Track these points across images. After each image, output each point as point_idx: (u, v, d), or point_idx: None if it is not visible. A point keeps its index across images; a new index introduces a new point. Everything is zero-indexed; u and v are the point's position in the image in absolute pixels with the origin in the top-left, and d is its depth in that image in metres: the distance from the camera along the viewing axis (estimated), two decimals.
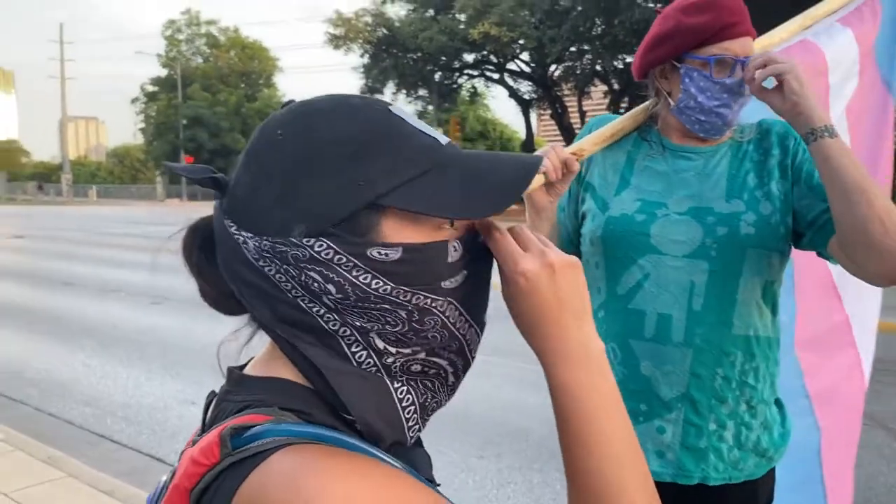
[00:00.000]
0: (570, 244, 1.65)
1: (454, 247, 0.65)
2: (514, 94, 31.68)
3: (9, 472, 3.93)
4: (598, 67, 26.03)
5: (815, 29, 1.88)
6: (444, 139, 0.67)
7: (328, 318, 0.64)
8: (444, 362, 0.69)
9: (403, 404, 0.67)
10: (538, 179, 1.40)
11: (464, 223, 0.68)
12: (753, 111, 1.58)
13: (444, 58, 29.27)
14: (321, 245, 0.61)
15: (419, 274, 0.64)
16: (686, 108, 1.50)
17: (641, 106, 1.62)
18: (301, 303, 0.64)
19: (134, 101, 53.96)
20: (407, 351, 0.66)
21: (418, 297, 0.64)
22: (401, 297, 0.63)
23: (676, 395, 1.48)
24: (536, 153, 1.43)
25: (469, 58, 30.59)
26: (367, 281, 0.62)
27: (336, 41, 29.71)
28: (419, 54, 28.95)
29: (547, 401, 0.72)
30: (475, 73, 32.26)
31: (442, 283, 0.65)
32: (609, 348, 1.54)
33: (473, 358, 0.71)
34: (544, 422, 4.37)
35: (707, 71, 1.45)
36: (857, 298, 1.98)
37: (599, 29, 23.58)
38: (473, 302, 0.69)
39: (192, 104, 47.56)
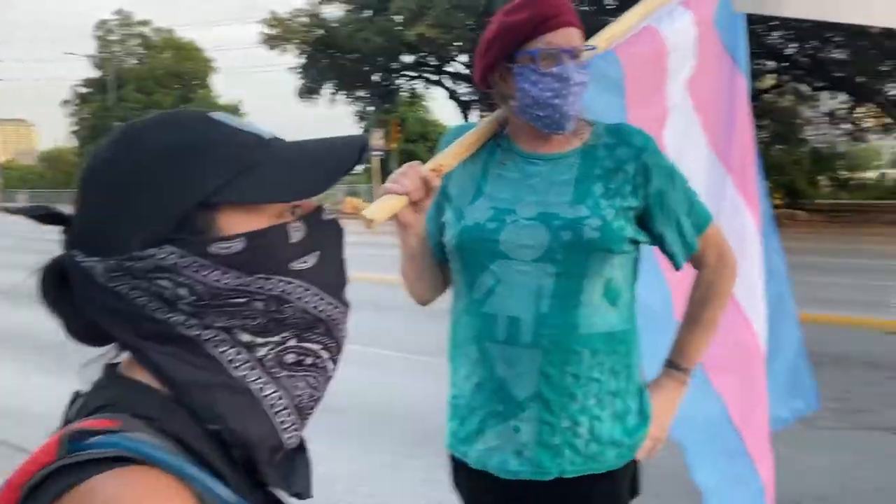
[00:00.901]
0: (439, 253, 1.70)
1: (295, 227, 0.68)
2: (453, 95, 31.79)
3: None
4: None
5: (659, 13, 1.99)
6: (267, 134, 0.71)
7: (189, 324, 0.65)
8: (317, 346, 0.70)
9: (275, 409, 0.68)
10: (401, 201, 1.45)
11: (308, 206, 0.71)
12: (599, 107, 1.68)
13: (381, 59, 29.18)
14: (163, 252, 0.64)
15: (265, 260, 0.66)
16: (525, 105, 1.57)
17: (494, 114, 1.69)
18: (159, 315, 0.65)
19: (65, 103, 52.34)
20: (276, 339, 0.68)
21: (271, 284, 0.66)
22: (253, 287, 0.65)
23: (529, 394, 1.55)
24: (395, 172, 1.50)
25: (407, 59, 30.57)
26: (217, 277, 0.64)
27: (271, 41, 29.38)
28: (357, 55, 28.81)
29: None
30: (414, 74, 32.27)
31: (290, 265, 0.67)
32: (469, 351, 1.62)
33: (343, 337, 0.73)
34: None
35: (534, 65, 1.52)
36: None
37: None
38: (330, 281, 0.70)
39: (126, 106, 46.29)
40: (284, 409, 0.68)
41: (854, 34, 20.08)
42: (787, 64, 22.74)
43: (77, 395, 0.70)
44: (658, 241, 1.64)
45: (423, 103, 38.93)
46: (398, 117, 34.00)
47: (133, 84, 47.85)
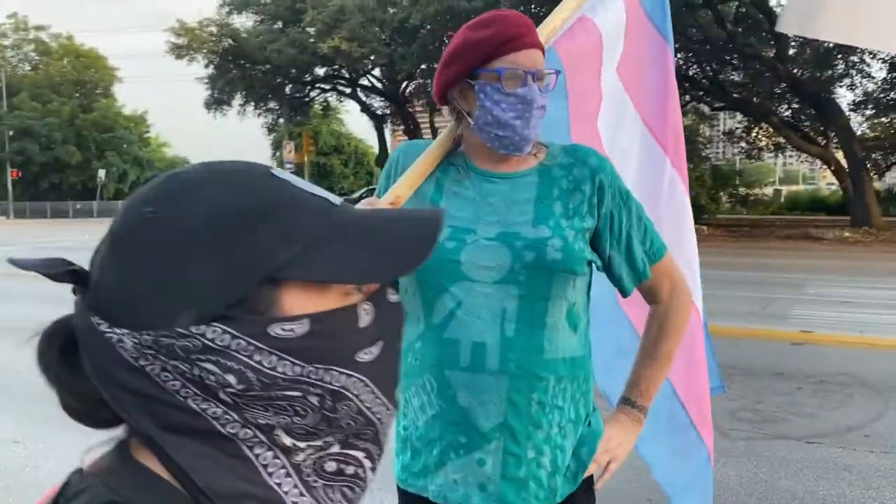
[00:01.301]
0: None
1: (364, 310, 0.59)
2: (366, 109, 31.75)
3: None
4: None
5: (592, 2, 1.97)
6: (335, 199, 0.61)
7: (225, 419, 0.56)
8: (360, 454, 0.62)
9: None
10: None
11: (370, 287, 0.61)
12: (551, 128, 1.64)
13: (294, 70, 28.85)
14: (215, 331, 0.54)
15: (331, 347, 0.57)
16: (485, 124, 1.51)
17: (446, 132, 1.62)
18: (192, 404, 0.55)
19: None
20: (318, 444, 0.59)
21: (332, 376, 0.57)
22: (312, 378, 0.56)
23: (494, 424, 1.47)
24: (358, 206, 1.41)
25: (320, 71, 30.36)
26: (273, 365, 0.55)
27: (178, 51, 28.57)
28: (268, 66, 28.38)
29: None
30: (327, 87, 32.08)
31: (357, 356, 0.58)
32: (425, 380, 1.53)
33: (385, 444, 0.64)
34: None
35: (498, 84, 1.47)
36: (676, 243, 2.03)
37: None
38: (388, 376, 0.62)
39: (18, 114, 43.96)
40: None
41: (749, 57, 21.24)
42: (689, 84, 23.74)
43: (78, 475, 0.60)
44: (606, 264, 1.59)
45: (338, 116, 38.70)
46: (311, 130, 33.63)
47: (27, 91, 45.50)
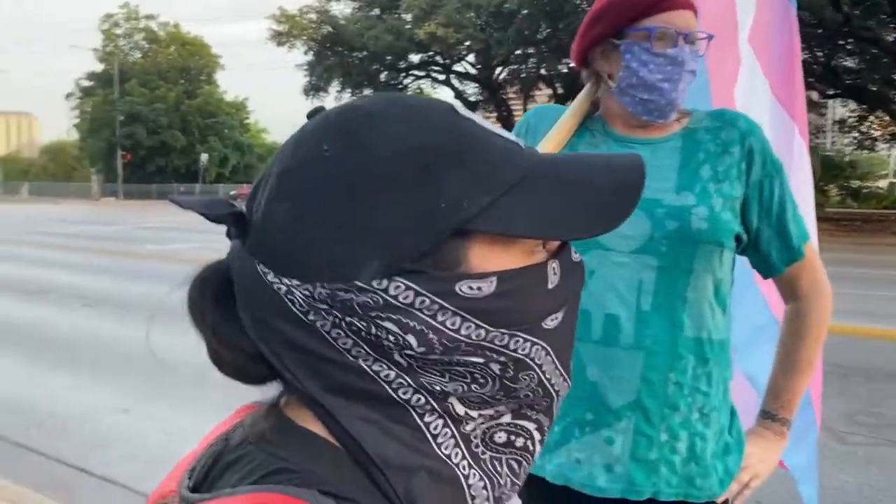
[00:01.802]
0: None
1: (553, 270, 0.53)
2: (459, 95, 31.76)
3: None
4: (542, 71, 26.27)
5: None
6: (521, 142, 0.54)
7: (398, 383, 0.50)
8: (532, 425, 0.56)
9: (474, 497, 0.54)
10: None
11: (553, 245, 0.55)
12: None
13: (389, 57, 29.16)
14: (398, 287, 0.48)
15: (519, 309, 0.51)
16: (628, 86, 1.43)
17: (582, 96, 1.54)
18: (364, 365, 0.50)
19: (68, 96, 52.32)
20: (490, 412, 0.54)
21: (517, 342, 0.51)
22: (496, 344, 0.50)
23: (626, 402, 1.39)
24: None
25: (415, 58, 30.56)
26: (457, 326, 0.49)
27: (279, 38, 29.31)
28: (365, 53, 28.78)
29: None
30: (421, 73, 32.25)
31: (544, 322, 0.52)
32: None
33: (556, 414, 0.59)
34: None
35: (648, 43, 1.40)
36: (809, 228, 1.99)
37: (544, 33, 23.78)
38: (567, 345, 0.56)
39: (129, 100, 46.26)
40: (487, 499, 0.54)
41: (866, 41, 20.02)
42: None
43: (227, 438, 0.55)
44: (753, 240, 1.47)
45: None
46: None
47: (137, 78, 47.77)
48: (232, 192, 40.64)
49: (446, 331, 0.49)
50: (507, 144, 0.53)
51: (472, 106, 31.96)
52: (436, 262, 0.49)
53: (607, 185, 0.53)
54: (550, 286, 0.52)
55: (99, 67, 50.83)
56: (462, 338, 0.49)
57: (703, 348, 1.40)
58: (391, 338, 0.49)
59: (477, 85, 31.42)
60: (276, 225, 0.50)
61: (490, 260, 0.50)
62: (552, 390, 0.55)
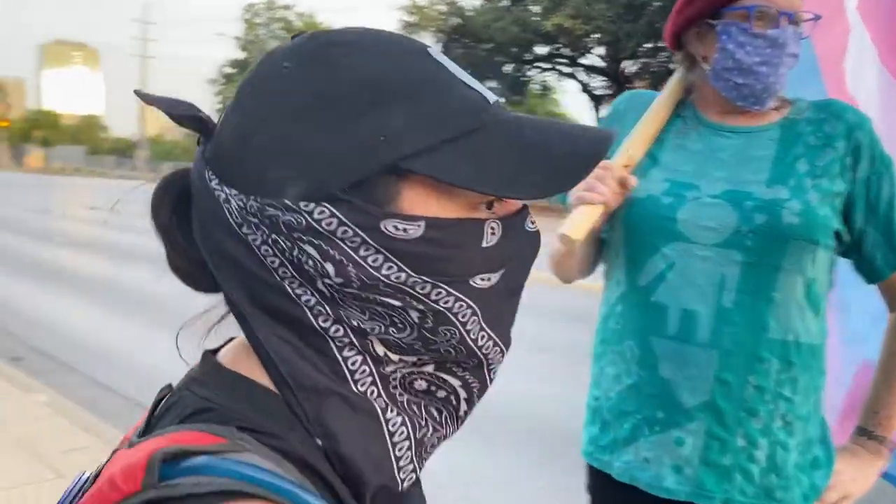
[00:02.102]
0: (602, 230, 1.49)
1: (492, 229, 0.52)
2: (585, 89, 31.17)
3: (48, 436, 3.95)
4: (672, 66, 25.36)
5: None
6: (492, 97, 0.53)
7: (319, 310, 0.51)
8: (456, 382, 0.55)
9: (395, 439, 0.53)
10: (599, 210, 1.29)
11: (505, 207, 0.54)
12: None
13: (515, 49, 29.02)
14: (323, 212, 0.48)
15: (445, 260, 0.50)
16: (723, 69, 1.34)
17: (674, 81, 1.46)
18: (288, 287, 0.50)
19: (212, 82, 55.27)
20: (411, 359, 0.53)
21: (438, 294, 0.50)
22: (417, 291, 0.50)
23: (699, 402, 1.31)
24: (592, 175, 1.29)
25: (541, 50, 30.26)
26: (378, 264, 0.49)
27: (409, 28, 29.78)
28: (491, 45, 28.77)
29: None
30: (547, 66, 31.88)
31: (472, 280, 0.51)
32: (626, 347, 1.38)
33: (492, 381, 0.57)
34: None
35: (747, 23, 1.30)
36: None
37: None
38: (502, 311, 0.55)
39: None
40: (406, 440, 0.54)
41: None
42: None
43: (168, 389, 0.57)
44: (856, 241, 1.36)
45: (554, 96, 38.52)
46: (526, 110, 33.70)
47: None
48: None
49: (366, 266, 0.49)
50: (474, 96, 0.52)
51: (599, 100, 31.33)
52: (366, 196, 0.49)
53: (562, 153, 0.52)
54: (485, 245, 0.52)
55: (241, 55, 53.44)
56: (382, 277, 0.49)
57: (789, 352, 1.30)
58: (311, 262, 0.49)
59: (604, 78, 30.71)
60: (226, 133, 0.52)
61: (424, 205, 0.50)
62: (478, 352, 0.54)
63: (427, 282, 0.50)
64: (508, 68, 31.56)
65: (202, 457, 0.45)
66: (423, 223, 0.49)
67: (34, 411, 4.33)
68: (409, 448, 0.54)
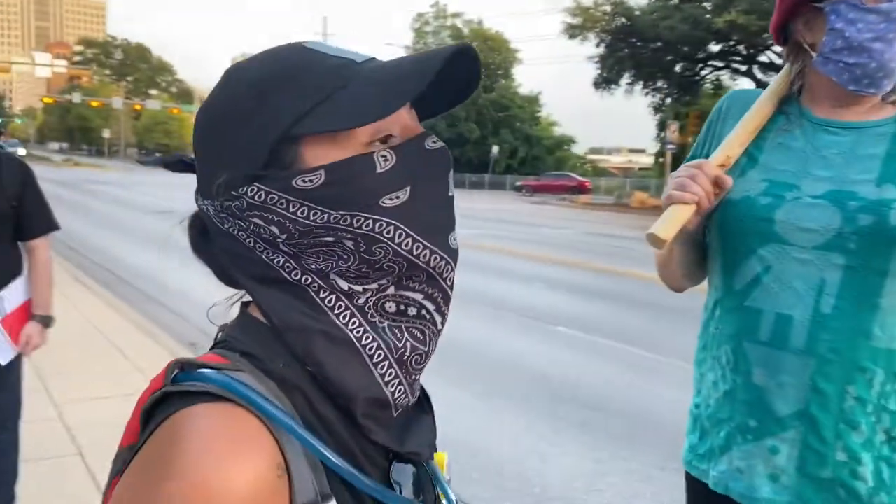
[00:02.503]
0: (702, 234, 1.45)
1: (384, 156, 0.61)
2: (762, 87, 29.45)
3: None
4: None
5: None
6: (361, 57, 0.65)
7: (289, 266, 0.63)
8: (418, 296, 0.65)
9: (375, 360, 0.64)
10: (690, 210, 1.27)
11: (410, 132, 0.64)
12: None
13: (685, 48, 27.94)
14: (252, 189, 0.61)
15: (350, 193, 0.60)
16: (832, 51, 1.26)
17: (778, 78, 1.39)
18: (264, 256, 0.64)
19: None
20: (373, 286, 0.64)
21: (358, 220, 0.61)
22: (341, 223, 0.61)
23: (793, 411, 1.25)
24: (679, 173, 1.29)
25: (714, 48, 28.94)
26: (305, 214, 0.61)
27: (572, 31, 29.52)
28: (658, 44, 27.89)
29: None
30: (720, 64, 30.44)
31: (381, 201, 0.61)
32: (722, 352, 1.34)
33: (451, 288, 0.67)
34: None
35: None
36: None
37: None
38: (428, 220, 0.63)
39: None
40: (384, 360, 0.64)
41: None
42: None
43: (221, 328, 0.71)
44: None
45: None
46: (699, 110, 32.33)
47: None
48: (517, 183, 41.98)
49: (298, 218, 0.61)
50: (340, 62, 0.63)
51: None
52: (277, 165, 0.61)
53: (409, 71, 0.61)
54: (380, 170, 0.61)
55: None
56: (311, 223, 0.61)
57: (894, 362, 1.21)
58: (263, 230, 0.62)
59: None
60: (196, 161, 0.66)
61: (322, 156, 0.61)
62: (418, 262, 0.63)
63: (345, 214, 0.60)
64: (679, 67, 30.47)
65: (207, 370, 0.59)
66: (322, 171, 0.60)
67: None
68: (391, 366, 0.64)
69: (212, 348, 0.66)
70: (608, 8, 28.95)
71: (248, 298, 0.68)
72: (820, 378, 1.23)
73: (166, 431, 0.55)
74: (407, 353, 0.65)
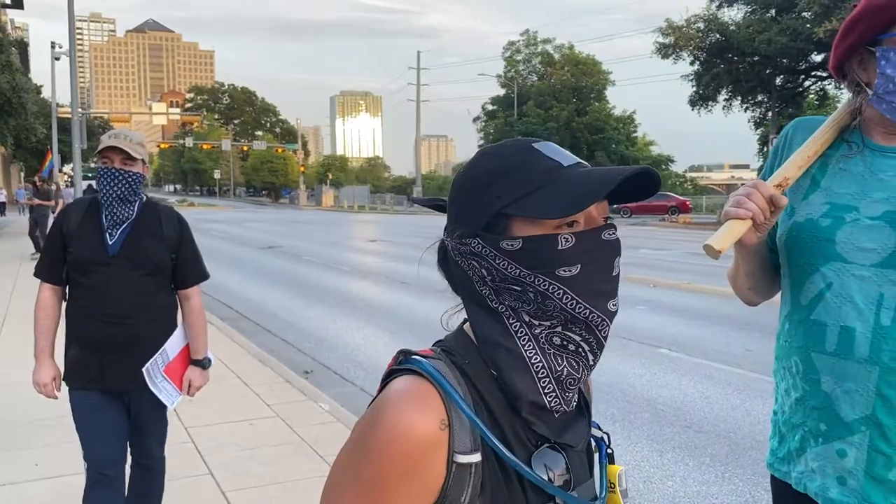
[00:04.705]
0: (772, 252, 1.56)
1: (566, 238, 0.84)
2: None
3: (329, 439, 4.60)
4: None
5: None
6: (569, 161, 0.88)
7: (491, 298, 0.89)
8: (577, 338, 0.87)
9: (539, 374, 0.87)
10: (745, 225, 1.37)
11: (587, 224, 0.87)
12: None
13: (785, 60, 27.07)
14: (475, 242, 0.88)
15: (537, 260, 0.84)
16: (885, 93, 1.36)
17: (841, 107, 1.49)
18: (477, 287, 0.90)
19: (475, 119, 58.31)
20: (547, 323, 0.87)
21: (538, 280, 0.85)
22: (527, 279, 0.85)
23: (860, 416, 1.33)
24: (738, 192, 1.41)
25: (817, 58, 27.90)
26: (505, 266, 0.86)
27: (664, 50, 29.11)
28: (756, 58, 27.13)
29: None
30: (824, 74, 29.28)
31: (556, 271, 0.84)
32: (792, 362, 1.44)
33: (605, 338, 0.88)
34: None
35: None
36: None
37: None
38: (591, 289, 0.85)
39: (525, 121, 49.97)
40: (546, 376, 0.87)
41: None
42: None
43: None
44: None
45: (837, 105, 35.07)
46: None
47: (533, 100, 51.30)
48: (614, 206, 41.20)
49: (499, 268, 0.86)
50: (550, 163, 0.87)
51: None
52: (493, 230, 0.87)
53: (587, 185, 0.83)
54: (560, 248, 0.84)
55: (501, 92, 55.79)
56: (507, 273, 0.86)
57: None
58: (476, 270, 0.89)
59: None
60: (448, 208, 0.95)
61: (524, 229, 0.86)
62: (579, 317, 0.86)
63: (530, 274, 0.85)
64: (779, 80, 29.51)
65: (418, 357, 0.88)
66: (521, 240, 0.85)
67: (319, 417, 5.05)
68: (550, 382, 0.87)
69: (433, 345, 0.94)
70: (701, 25, 28.44)
71: (464, 314, 0.95)
72: (885, 385, 1.31)
73: (383, 392, 0.86)
74: (563, 376, 0.87)
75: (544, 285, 0.84)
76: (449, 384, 0.83)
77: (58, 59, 26.87)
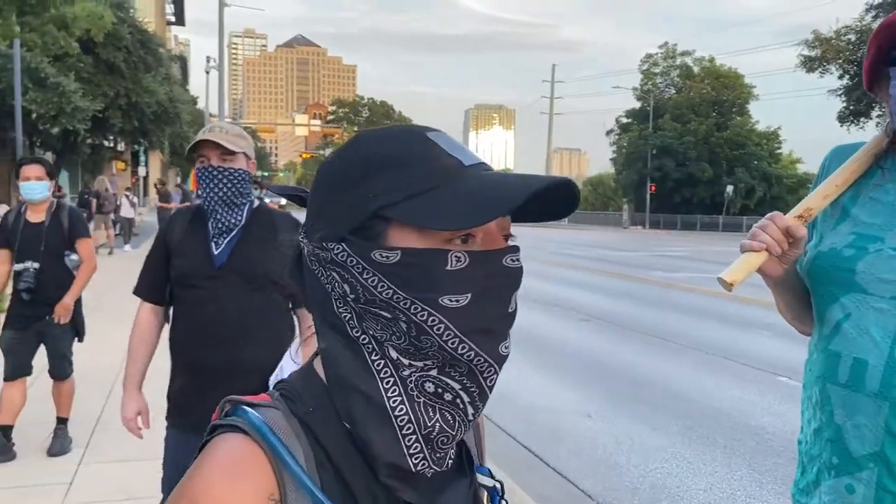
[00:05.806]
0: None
1: (457, 257, 0.65)
2: None
3: None
4: None
5: None
6: (471, 160, 0.70)
7: (352, 323, 0.69)
8: (456, 385, 0.68)
9: (403, 431, 0.68)
10: (760, 257, 1.36)
11: (485, 242, 0.68)
12: None
13: None
14: (339, 249, 0.68)
15: (417, 279, 0.65)
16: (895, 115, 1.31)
17: (879, 134, 1.43)
18: (335, 306, 0.70)
19: (608, 132, 57.26)
20: (419, 364, 0.67)
21: (415, 308, 0.65)
22: (400, 305, 0.65)
23: (868, 452, 1.28)
24: (757, 224, 1.39)
25: None
26: (374, 284, 0.66)
27: (810, 63, 27.59)
28: None
29: None
30: None
31: (440, 299, 0.65)
32: (812, 392, 1.42)
33: (490, 388, 0.70)
34: None
35: None
36: None
37: None
38: (481, 327, 0.66)
39: (661, 134, 48.56)
40: (413, 434, 0.68)
41: None
42: None
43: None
44: None
45: None
46: None
47: (670, 113, 49.83)
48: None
49: (367, 285, 0.66)
50: (449, 161, 0.68)
51: None
52: (364, 235, 0.67)
53: (490, 195, 0.65)
54: (449, 268, 0.65)
55: (636, 105, 54.59)
56: (376, 294, 0.66)
57: None
58: (336, 285, 0.69)
59: None
60: (308, 202, 0.75)
61: (404, 239, 0.66)
62: (462, 360, 0.66)
63: (406, 298, 0.65)
64: None
65: (246, 407, 0.68)
66: (399, 252, 0.65)
67: None
68: (417, 440, 0.68)
69: (274, 386, 0.75)
70: (852, 37, 26.76)
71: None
72: (894, 421, 1.26)
73: (198, 458, 0.67)
74: (434, 433, 0.68)
75: (422, 315, 0.65)
76: (282, 444, 0.65)
77: (208, 72, 29.00)
